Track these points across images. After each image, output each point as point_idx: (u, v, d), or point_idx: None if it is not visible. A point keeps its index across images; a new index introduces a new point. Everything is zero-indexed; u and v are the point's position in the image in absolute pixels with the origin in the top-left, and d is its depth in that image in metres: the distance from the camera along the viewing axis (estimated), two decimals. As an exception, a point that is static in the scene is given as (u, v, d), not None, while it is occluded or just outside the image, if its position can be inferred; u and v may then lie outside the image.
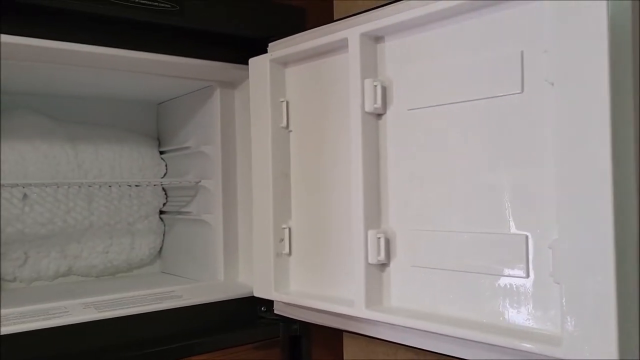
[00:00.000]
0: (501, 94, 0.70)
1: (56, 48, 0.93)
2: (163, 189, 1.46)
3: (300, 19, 1.18)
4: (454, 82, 0.75)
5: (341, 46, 0.88)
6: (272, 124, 0.99)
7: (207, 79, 1.19)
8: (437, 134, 0.78)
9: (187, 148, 1.34)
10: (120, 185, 1.37)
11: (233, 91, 1.23)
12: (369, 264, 0.82)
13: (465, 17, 0.74)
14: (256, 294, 1.03)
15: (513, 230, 0.69)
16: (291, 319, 1.11)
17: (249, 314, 1.16)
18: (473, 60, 0.73)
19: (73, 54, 0.96)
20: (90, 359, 0.95)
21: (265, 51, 1.04)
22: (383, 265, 0.83)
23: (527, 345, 0.63)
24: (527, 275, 0.68)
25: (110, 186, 1.36)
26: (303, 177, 0.99)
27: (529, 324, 0.68)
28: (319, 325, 1.16)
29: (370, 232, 0.82)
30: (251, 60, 1.04)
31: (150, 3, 0.98)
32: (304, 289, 0.98)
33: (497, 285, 0.70)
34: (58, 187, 1.27)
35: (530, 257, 0.68)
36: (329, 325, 0.96)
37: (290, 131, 1.00)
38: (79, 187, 1.31)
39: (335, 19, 1.07)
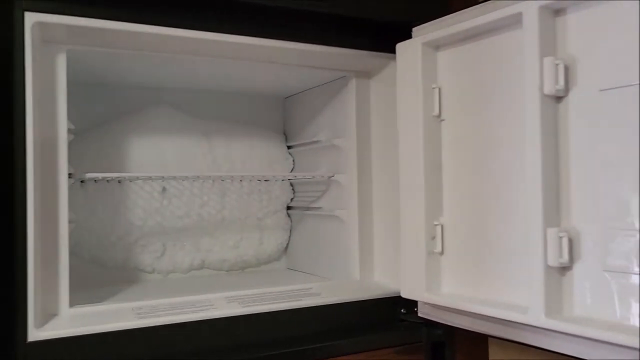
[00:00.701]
0: None
1: (197, 38, 0.92)
2: (291, 184, 1.44)
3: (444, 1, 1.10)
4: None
5: (509, 23, 0.80)
6: (423, 113, 0.92)
7: (343, 69, 1.15)
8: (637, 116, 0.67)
9: (317, 142, 1.31)
10: (250, 180, 1.37)
11: (369, 81, 1.18)
12: (549, 266, 0.73)
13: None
14: (404, 295, 0.96)
15: None
16: (435, 323, 1.04)
17: (389, 316, 1.10)
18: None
19: (214, 45, 0.95)
20: (233, 354, 0.93)
21: (406, 37, 0.98)
22: (564, 269, 0.74)
23: None
24: None
25: (241, 180, 1.35)
26: (457, 170, 0.92)
27: None
28: (463, 332, 1.08)
29: (550, 231, 0.73)
30: (399, 45, 0.97)
31: (293, -9, 0.95)
32: (459, 292, 0.90)
33: None
34: (194, 180, 1.29)
35: None
36: (489, 334, 0.87)
37: (443, 120, 0.93)
38: (213, 181, 1.31)
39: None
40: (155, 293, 1.11)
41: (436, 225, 0.92)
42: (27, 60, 0.82)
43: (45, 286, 0.86)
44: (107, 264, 1.23)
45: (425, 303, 1.00)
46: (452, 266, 0.91)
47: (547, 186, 0.73)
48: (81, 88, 1.19)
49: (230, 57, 1.03)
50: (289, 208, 1.44)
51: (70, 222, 0.91)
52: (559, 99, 0.75)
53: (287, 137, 1.47)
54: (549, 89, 0.73)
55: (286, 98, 1.48)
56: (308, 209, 1.36)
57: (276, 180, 1.40)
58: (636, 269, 0.67)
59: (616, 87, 0.69)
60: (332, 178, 1.24)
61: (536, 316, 0.73)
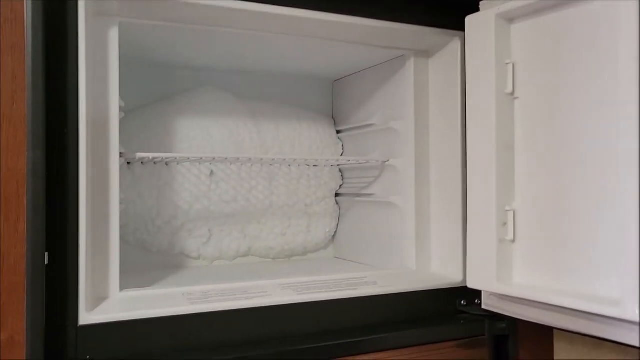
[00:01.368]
0: None
1: (254, 11, 0.87)
2: (340, 170, 1.38)
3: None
4: None
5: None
6: (496, 91, 0.85)
7: (403, 47, 1.08)
8: None
9: (370, 126, 1.25)
10: (299, 165, 1.32)
11: (427, 60, 1.11)
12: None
13: None
14: (471, 285, 0.90)
15: None
16: (499, 316, 0.97)
17: (448, 308, 1.04)
18: None
19: (273, 19, 0.90)
20: (289, 343, 0.88)
21: (471, 10, 0.91)
22: (664, 258, 0.66)
23: None
24: None
25: (289, 165, 1.31)
26: (530, 151, 0.85)
27: None
28: (527, 326, 1.01)
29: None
30: (469, 18, 0.91)
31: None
32: (532, 282, 0.84)
33: None
34: (242, 164, 1.24)
35: None
36: (565, 328, 0.80)
37: (516, 98, 0.86)
38: (261, 165, 1.27)
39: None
40: (203, 279, 1.07)
41: (508, 210, 0.85)
42: (81, 34, 0.78)
43: (96, 269, 0.83)
44: (152, 248, 1.20)
45: (491, 294, 0.94)
46: (525, 255, 0.85)
47: (645, 167, 0.66)
48: (129, 67, 1.16)
49: (290, 32, 0.97)
50: (337, 195, 1.39)
51: (120, 203, 0.88)
52: (660, 70, 0.67)
53: (336, 121, 1.41)
54: (650, 58, 0.66)
55: (335, 81, 1.42)
56: (358, 195, 1.30)
57: (325, 166, 1.35)
58: None
59: None
60: (387, 163, 1.18)
61: (631, 309, 0.66)
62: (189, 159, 1.02)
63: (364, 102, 1.30)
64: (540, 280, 0.83)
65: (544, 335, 1.06)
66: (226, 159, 1.03)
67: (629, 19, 0.67)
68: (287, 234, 1.32)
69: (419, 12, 1.00)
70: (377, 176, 1.24)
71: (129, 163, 1.15)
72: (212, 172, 1.22)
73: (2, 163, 0.69)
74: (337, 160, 1.17)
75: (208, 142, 1.21)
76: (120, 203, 0.87)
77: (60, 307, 0.76)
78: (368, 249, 1.28)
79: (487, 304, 0.95)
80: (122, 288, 0.87)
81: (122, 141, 1.01)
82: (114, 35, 0.86)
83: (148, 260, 1.20)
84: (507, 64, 0.86)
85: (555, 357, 1.07)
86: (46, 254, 0.72)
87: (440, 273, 1.08)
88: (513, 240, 0.85)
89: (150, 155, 0.96)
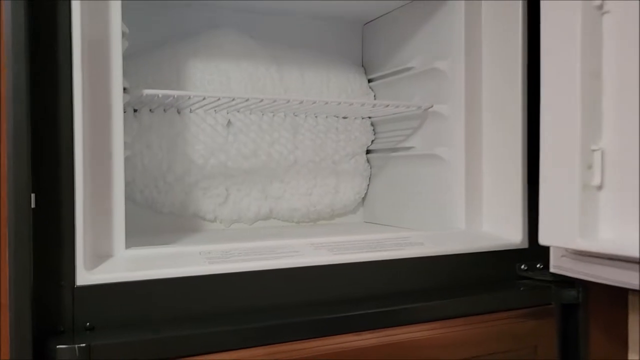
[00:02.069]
0: None
1: None
2: (371, 123, 1.23)
3: None
4: None
5: None
6: (581, 3, 0.69)
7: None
8: None
9: (407, 70, 1.10)
10: (327, 116, 1.17)
11: (479, -12, 0.95)
12: None
13: None
14: (544, 242, 0.75)
15: None
16: (568, 281, 0.83)
17: (505, 273, 0.90)
18: None
19: None
20: (325, 310, 0.75)
21: None
22: None
23: None
24: None
25: (316, 116, 1.16)
26: (622, 79, 0.69)
27: None
28: (599, 294, 0.87)
29: None
30: None
31: None
32: (622, 236, 0.69)
33: None
34: (263, 114, 1.10)
35: None
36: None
37: (606, 12, 0.70)
38: (284, 115, 1.12)
39: None
40: (222, 241, 0.93)
41: (594, 150, 0.70)
42: None
43: (97, 220, 0.69)
44: (163, 209, 1.06)
45: (563, 255, 0.79)
46: (612, 204, 0.70)
47: None
48: (139, 4, 1.01)
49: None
50: (368, 152, 1.24)
51: (125, 145, 0.74)
52: None
53: (367, 70, 1.26)
54: None
55: (365, 24, 1.26)
56: (394, 150, 1.15)
57: (355, 118, 1.20)
58: None
59: None
60: (431, 109, 1.02)
61: None
62: (204, 98, 0.88)
63: (399, 46, 1.15)
64: (630, 234, 0.68)
65: (617, 306, 0.92)
66: (247, 100, 0.89)
67: None
68: (312, 194, 1.18)
69: None
70: (416, 127, 1.09)
71: (135, 110, 1.01)
72: (229, 122, 1.07)
73: (-26, 79, 0.55)
74: (374, 106, 1.02)
75: (226, 88, 1.06)
76: (127, 147, 0.73)
77: (52, 262, 0.63)
78: (405, 210, 1.13)
79: (557, 265, 0.81)
80: (128, 247, 0.73)
81: (131, 84, 0.87)
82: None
83: (158, 222, 1.06)
84: (594, -30, 0.70)
85: (629, 331, 0.93)
86: (32, 195, 0.58)
87: (494, 234, 0.94)
88: (600, 187, 0.70)
89: (160, 92, 0.82)
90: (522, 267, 0.89)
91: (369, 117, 1.22)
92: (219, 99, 0.89)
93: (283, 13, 1.17)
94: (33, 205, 0.58)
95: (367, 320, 0.75)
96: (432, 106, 1.02)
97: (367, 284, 0.80)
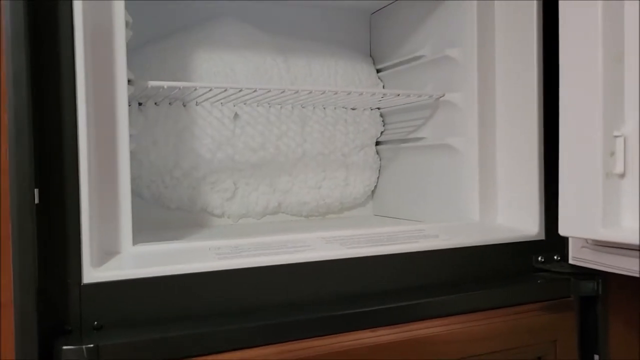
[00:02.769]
0: None
1: None
2: (381, 114, 1.21)
3: None
4: None
5: None
6: (602, -16, 0.67)
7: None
8: None
9: (418, 58, 1.07)
10: (335, 108, 1.14)
11: (492, -27, 0.93)
12: None
13: None
14: (564, 233, 0.73)
15: None
16: (586, 273, 0.81)
17: (522, 266, 0.88)
18: None
19: None
20: (339, 305, 0.72)
21: None
22: None
23: None
24: None
25: (324, 108, 1.14)
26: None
27: None
28: (618, 286, 0.85)
29: None
30: None
31: None
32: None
33: None
34: (270, 106, 1.07)
35: None
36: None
37: (628, -7, 0.68)
38: (292, 107, 1.10)
39: None
40: (231, 236, 0.91)
41: (617, 137, 0.67)
42: None
43: (103, 216, 0.67)
44: (171, 204, 1.04)
45: (583, 246, 0.77)
46: (637, 192, 0.67)
47: None
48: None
49: None
50: (377, 144, 1.22)
51: (130, 138, 0.71)
52: None
53: (375, 60, 1.23)
54: None
55: (373, 13, 1.24)
56: (405, 141, 1.13)
57: (364, 110, 1.18)
58: None
59: None
60: (442, 99, 1.00)
61: None
62: (211, 89, 0.85)
63: (408, 35, 1.12)
64: (656, 223, 0.66)
65: (637, 297, 0.89)
66: (255, 90, 0.86)
67: None
68: (322, 187, 1.15)
69: None
70: (427, 117, 1.06)
71: (140, 104, 0.99)
72: (236, 115, 1.05)
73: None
74: (384, 95, 0.99)
75: (232, 80, 1.04)
76: (131, 141, 0.71)
77: (58, 260, 0.61)
78: (416, 203, 1.11)
79: (577, 257, 0.78)
80: (136, 243, 0.71)
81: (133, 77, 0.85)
82: None
83: (166, 217, 1.04)
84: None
85: (651, 323, 0.90)
86: (36, 190, 0.56)
87: (510, 225, 0.91)
88: (623, 175, 0.68)
89: (165, 84, 0.80)
90: (539, 259, 0.87)
91: (378, 108, 1.20)
92: (226, 90, 0.87)
93: (289, 3, 1.14)
94: (37, 201, 0.56)
95: (383, 316, 0.73)
96: (443, 95, 0.99)
97: (381, 278, 0.78)
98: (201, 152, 1.03)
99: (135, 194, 0.99)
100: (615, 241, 0.68)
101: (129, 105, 0.71)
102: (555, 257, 0.87)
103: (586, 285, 0.83)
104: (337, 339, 0.69)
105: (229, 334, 0.64)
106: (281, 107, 1.09)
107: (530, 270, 0.87)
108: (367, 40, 1.24)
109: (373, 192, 1.24)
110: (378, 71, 1.21)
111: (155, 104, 0.99)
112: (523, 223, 0.89)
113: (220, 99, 0.98)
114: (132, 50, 0.92)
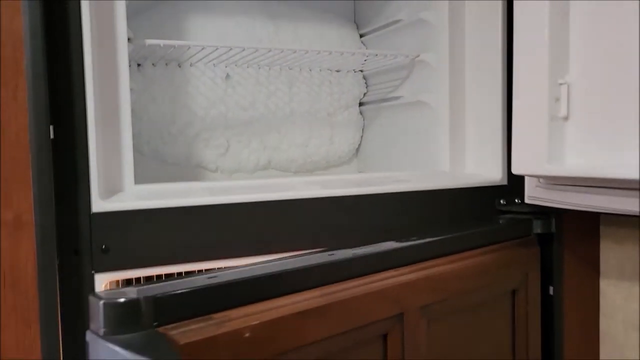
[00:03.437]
0: None
1: None
2: (364, 76, 1.29)
3: None
4: None
5: None
6: (549, -54, 0.75)
7: None
8: None
9: (396, 22, 1.15)
10: (320, 70, 1.23)
11: (462, -60, 1.00)
12: None
13: None
14: (516, 171, 0.82)
15: None
16: (543, 212, 0.90)
17: (486, 208, 0.97)
18: None
19: None
20: (313, 239, 0.82)
21: None
22: None
23: None
24: None
25: (310, 70, 1.22)
26: (589, 20, 0.75)
27: None
28: (573, 224, 0.94)
29: None
30: None
31: None
32: (586, 162, 0.75)
33: None
34: (259, 67, 1.16)
35: None
36: (621, 211, 0.73)
37: (573, -45, 0.76)
38: (280, 69, 1.18)
39: None
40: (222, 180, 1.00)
41: (561, 84, 0.76)
42: None
43: (108, 157, 0.75)
44: (168, 159, 1.13)
45: (537, 185, 0.86)
46: (579, 133, 0.76)
47: None
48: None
49: None
50: (361, 105, 1.31)
51: (131, 90, 0.80)
52: None
53: (359, 25, 1.31)
54: None
55: (357, -19, 1.31)
56: (385, 100, 1.21)
57: (348, 71, 1.26)
58: None
59: None
60: (418, 59, 1.08)
61: None
62: (203, 48, 0.94)
63: (388, 1, 1.20)
64: (593, 160, 0.75)
65: (590, 234, 0.99)
66: (244, 49, 0.95)
67: None
68: (309, 145, 1.24)
69: None
70: (405, 77, 1.15)
71: (139, 65, 1.07)
72: (227, 75, 1.14)
73: (-5, 21, 0.61)
74: (364, 56, 1.07)
75: (223, 42, 1.12)
76: (133, 91, 0.80)
77: (71, 190, 0.70)
78: (395, 158, 1.20)
79: (531, 196, 0.87)
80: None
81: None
82: None
83: (164, 172, 1.13)
84: None
85: (602, 258, 1.00)
86: (51, 127, 0.65)
87: (476, 173, 1.01)
88: (566, 118, 0.77)
89: (162, 42, 0.88)
90: (502, 202, 0.96)
91: (361, 71, 1.28)
92: (217, 49, 0.95)
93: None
94: (52, 136, 0.65)
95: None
96: (418, 55, 1.07)
97: (356, 216, 0.87)
98: (195, 109, 1.11)
99: (137, 150, 1.08)
100: (559, 175, 0.78)
101: (129, 66, 0.79)
102: (516, 200, 0.97)
103: (543, 222, 0.92)
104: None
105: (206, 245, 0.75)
106: (270, 69, 1.17)
107: (494, 213, 0.97)
108: (352, 7, 1.32)
109: (357, 150, 1.33)
110: (362, 36, 1.29)
111: (153, 64, 1.08)
112: (488, 171, 0.98)
113: (213, 59, 1.07)
114: (130, 16, 1.00)
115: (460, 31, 1.02)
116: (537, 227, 0.92)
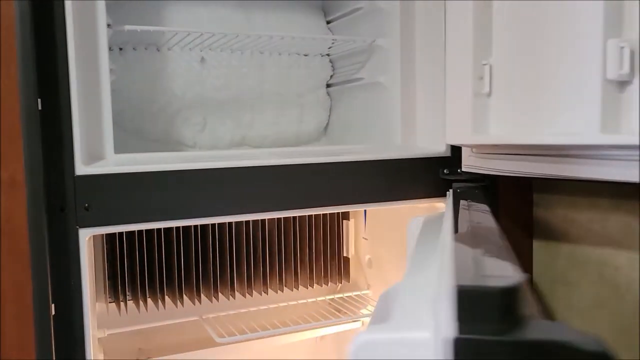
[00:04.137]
0: None
1: None
2: (330, 60, 1.40)
3: None
4: None
5: None
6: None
7: None
8: None
9: (357, 10, 1.26)
10: (289, 54, 1.34)
11: None
12: (607, 79, 0.68)
13: None
14: (449, 141, 0.94)
15: None
16: (481, 176, 1.02)
17: (431, 176, 1.09)
18: None
19: None
20: (271, 202, 0.94)
21: None
22: (624, 83, 0.69)
23: None
24: None
25: (280, 54, 1.33)
26: (510, 7, 0.86)
27: None
28: (507, 191, 1.06)
29: (611, 42, 0.68)
30: None
31: None
32: (507, 131, 0.87)
33: None
34: (232, 52, 1.27)
35: None
36: (539, 174, 0.84)
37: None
38: (251, 53, 1.29)
39: None
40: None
41: (484, 65, 0.88)
42: None
43: (90, 128, 0.87)
44: (149, 136, 1.24)
45: (470, 155, 0.98)
46: (500, 107, 0.88)
47: (609, -6, 0.68)
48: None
49: None
50: (328, 86, 1.42)
51: (112, 71, 0.91)
52: None
53: (326, 12, 1.42)
54: None
55: (324, -28, 1.42)
56: (349, 81, 1.33)
57: (315, 56, 1.37)
58: None
59: None
60: (375, 43, 1.19)
61: (591, 134, 0.70)
62: (176, 33, 1.05)
63: (352, -11, 1.31)
64: (514, 130, 0.86)
65: (523, 201, 1.11)
66: (213, 34, 1.06)
67: None
68: (280, 123, 1.36)
69: None
70: (365, 60, 1.26)
71: (121, 49, 1.18)
72: (202, 59, 1.25)
73: (-10, 9, 0.72)
74: (326, 41, 1.18)
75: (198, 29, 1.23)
76: (113, 72, 0.90)
77: (57, 155, 0.81)
78: (357, 134, 1.31)
79: (467, 165, 0.99)
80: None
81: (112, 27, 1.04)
82: None
83: (146, 148, 1.24)
84: None
85: (534, 223, 1.12)
86: (39, 100, 0.76)
87: (424, 146, 1.12)
88: (489, 94, 0.88)
89: (139, 27, 0.99)
90: (445, 171, 1.08)
91: (328, 55, 1.39)
92: (189, 34, 1.06)
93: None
94: (40, 108, 0.76)
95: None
96: (374, 40, 1.18)
97: (314, 184, 0.98)
98: (174, 90, 1.22)
99: (120, 126, 1.20)
100: (484, 143, 0.90)
101: (112, 50, 0.90)
102: (458, 170, 1.08)
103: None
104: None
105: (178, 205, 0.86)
106: (242, 53, 1.28)
107: (437, 180, 1.08)
108: (320, -5, 1.43)
109: (326, 129, 1.45)
110: (328, 22, 1.40)
111: (134, 49, 1.18)
112: (434, 143, 1.10)
113: (188, 44, 1.17)
114: (111, 6, 1.11)
115: (411, 17, 1.12)
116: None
